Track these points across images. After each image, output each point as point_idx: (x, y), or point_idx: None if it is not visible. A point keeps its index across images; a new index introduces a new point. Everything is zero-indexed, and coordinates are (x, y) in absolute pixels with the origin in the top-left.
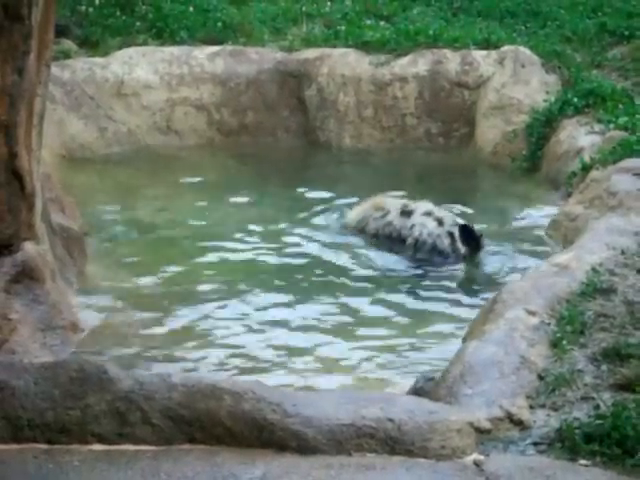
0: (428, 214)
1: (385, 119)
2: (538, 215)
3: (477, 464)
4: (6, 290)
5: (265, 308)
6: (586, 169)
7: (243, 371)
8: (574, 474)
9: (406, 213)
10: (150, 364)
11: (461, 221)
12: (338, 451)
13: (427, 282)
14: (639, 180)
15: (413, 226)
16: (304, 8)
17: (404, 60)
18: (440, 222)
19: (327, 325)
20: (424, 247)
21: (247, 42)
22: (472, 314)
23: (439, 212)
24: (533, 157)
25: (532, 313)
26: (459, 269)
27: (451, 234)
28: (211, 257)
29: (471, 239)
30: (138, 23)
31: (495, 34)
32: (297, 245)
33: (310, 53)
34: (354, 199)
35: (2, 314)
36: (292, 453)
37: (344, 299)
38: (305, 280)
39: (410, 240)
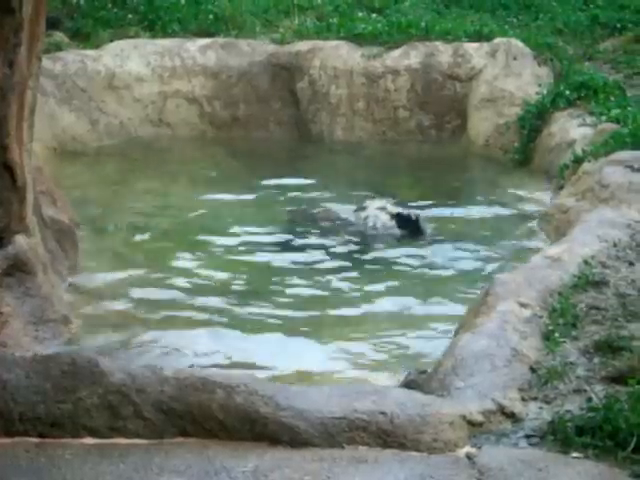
0: (382, 209)
1: (377, 112)
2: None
3: (469, 457)
4: None
5: (258, 299)
6: (578, 161)
7: (237, 365)
8: (566, 467)
9: (361, 209)
10: (142, 357)
11: (396, 210)
12: (330, 444)
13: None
14: (631, 172)
15: (367, 217)
16: (296, 0)
17: (396, 53)
18: (392, 216)
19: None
20: (376, 237)
21: (239, 34)
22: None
23: (392, 207)
24: (525, 149)
25: (524, 306)
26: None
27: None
28: (203, 250)
29: (408, 225)
30: (130, 15)
31: (487, 26)
32: (288, 237)
33: (302, 45)
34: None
35: None
36: (284, 446)
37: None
38: (299, 271)
39: (362, 228)
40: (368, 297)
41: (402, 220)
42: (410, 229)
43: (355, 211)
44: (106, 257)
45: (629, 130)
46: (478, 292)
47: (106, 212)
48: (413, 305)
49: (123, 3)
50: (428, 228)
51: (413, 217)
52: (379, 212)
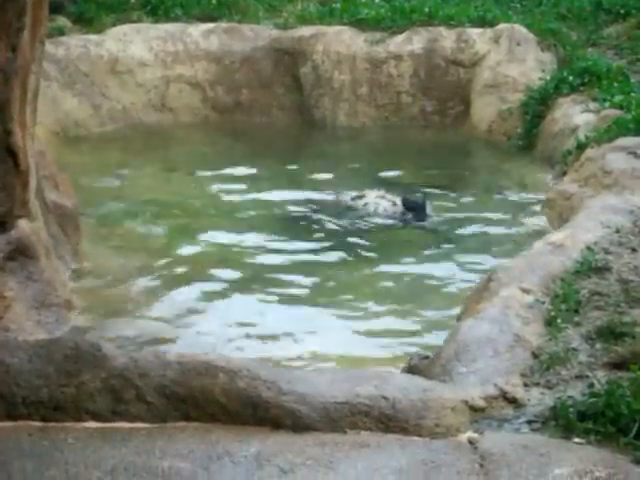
0: (381, 197)
1: (380, 97)
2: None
3: (471, 442)
4: (0, 267)
5: (260, 285)
6: (581, 147)
7: (239, 349)
8: (568, 452)
9: (358, 197)
10: (145, 341)
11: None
12: (333, 429)
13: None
14: (634, 159)
15: (366, 204)
16: None
17: (399, 38)
18: (394, 203)
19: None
20: (380, 222)
21: (242, 19)
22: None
23: (391, 196)
24: (528, 135)
25: (527, 291)
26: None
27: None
28: (205, 235)
29: (414, 209)
30: (132, 0)
31: (491, 12)
32: (291, 223)
33: (305, 31)
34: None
35: None
36: (287, 431)
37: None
38: (298, 255)
39: (364, 213)
40: (370, 282)
41: (408, 204)
42: (416, 213)
43: (353, 199)
44: (108, 242)
45: (632, 116)
46: (480, 278)
47: (108, 197)
48: (415, 290)
49: None
50: (432, 213)
51: (420, 201)
52: (379, 199)
